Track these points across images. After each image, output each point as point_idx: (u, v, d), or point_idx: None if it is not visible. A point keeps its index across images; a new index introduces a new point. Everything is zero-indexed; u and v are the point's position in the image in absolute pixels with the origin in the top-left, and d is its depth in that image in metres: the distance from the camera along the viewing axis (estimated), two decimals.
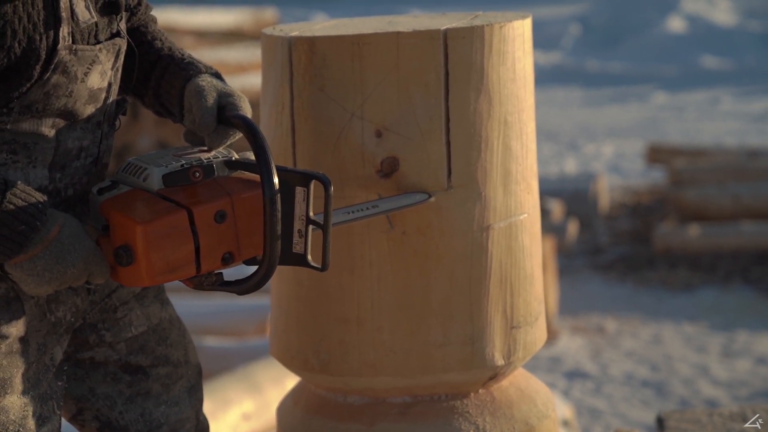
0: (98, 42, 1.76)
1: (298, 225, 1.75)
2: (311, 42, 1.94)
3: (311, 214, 1.76)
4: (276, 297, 2.09)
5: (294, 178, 1.74)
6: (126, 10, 1.85)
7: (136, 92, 1.95)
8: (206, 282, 1.75)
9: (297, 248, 1.76)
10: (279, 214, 1.70)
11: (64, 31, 1.70)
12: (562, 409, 4.26)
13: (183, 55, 1.93)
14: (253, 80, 9.03)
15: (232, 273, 1.81)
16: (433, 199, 1.93)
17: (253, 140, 1.73)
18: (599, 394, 5.32)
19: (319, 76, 1.94)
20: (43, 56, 1.68)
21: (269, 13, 11.55)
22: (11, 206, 1.64)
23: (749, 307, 6.46)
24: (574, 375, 5.58)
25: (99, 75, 1.77)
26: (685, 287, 6.82)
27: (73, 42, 1.72)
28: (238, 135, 1.83)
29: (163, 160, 1.77)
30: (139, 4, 1.95)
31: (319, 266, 1.78)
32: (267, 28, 2.07)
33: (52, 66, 1.69)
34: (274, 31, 2.03)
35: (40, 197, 1.67)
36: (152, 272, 1.69)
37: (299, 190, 1.75)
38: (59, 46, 1.69)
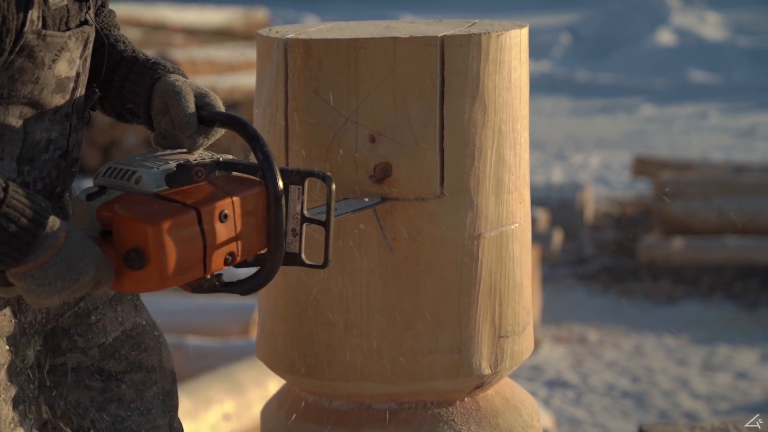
0: (68, 29, 1.73)
1: (292, 224, 1.74)
2: (307, 44, 1.93)
3: (306, 212, 1.75)
4: (264, 299, 2.08)
5: (289, 176, 1.74)
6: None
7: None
8: (206, 284, 1.72)
9: (291, 248, 1.75)
10: (284, 212, 1.69)
11: (34, 14, 1.67)
12: (543, 418, 4.26)
13: (147, 57, 1.89)
14: (243, 80, 9.02)
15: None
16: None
17: (252, 138, 1.71)
18: (580, 404, 5.33)
19: (314, 79, 1.93)
20: (12, 37, 1.64)
21: (260, 13, 11.54)
22: (15, 202, 1.58)
23: (731, 322, 6.48)
24: (555, 384, 5.59)
25: (67, 63, 1.74)
26: (668, 300, 6.84)
27: (44, 27, 1.69)
28: (218, 135, 1.82)
29: (148, 162, 1.73)
30: (104, 5, 1.92)
31: (320, 264, 1.77)
32: (263, 29, 2.07)
33: (17, 49, 1.65)
34: (270, 33, 2.03)
35: (42, 199, 1.62)
36: (165, 275, 1.64)
37: (293, 189, 1.74)
38: (26, 28, 1.65)
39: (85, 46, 1.78)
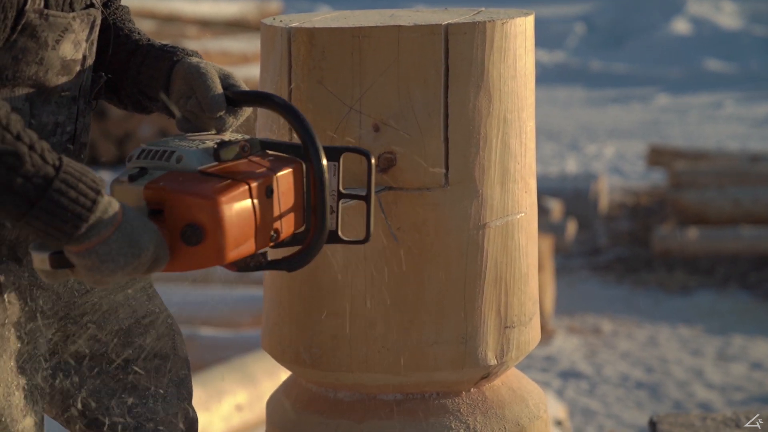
0: (72, 10, 1.73)
1: (329, 201, 1.74)
2: (311, 33, 1.92)
3: (342, 188, 1.75)
4: (269, 290, 2.08)
5: (326, 153, 1.73)
6: None
7: (110, 87, 1.89)
8: (252, 262, 1.71)
9: (329, 225, 1.75)
10: (328, 186, 1.70)
11: None
12: (556, 409, 4.25)
13: (164, 44, 1.89)
14: (256, 71, 9.01)
15: None
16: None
17: (290, 113, 1.71)
18: (593, 395, 5.32)
19: (318, 68, 1.92)
20: (14, 14, 1.64)
21: (274, 4, 11.53)
22: (71, 169, 1.56)
23: (746, 312, 6.45)
24: (569, 375, 5.58)
25: (72, 45, 1.73)
26: (683, 290, 6.82)
27: (46, 6, 1.68)
28: (246, 114, 1.81)
29: (183, 143, 1.72)
30: None
31: (361, 239, 1.78)
32: (267, 18, 2.06)
33: (20, 28, 1.65)
34: (274, 22, 2.02)
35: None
36: (221, 250, 1.62)
37: (329, 165, 1.74)
38: (27, 7, 1.65)
39: (92, 29, 1.77)
